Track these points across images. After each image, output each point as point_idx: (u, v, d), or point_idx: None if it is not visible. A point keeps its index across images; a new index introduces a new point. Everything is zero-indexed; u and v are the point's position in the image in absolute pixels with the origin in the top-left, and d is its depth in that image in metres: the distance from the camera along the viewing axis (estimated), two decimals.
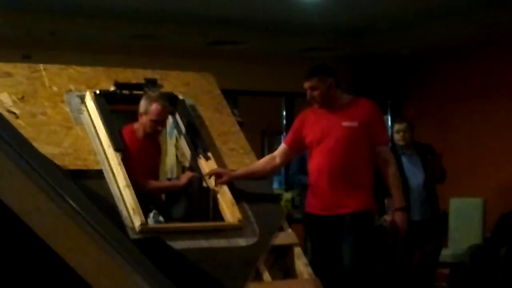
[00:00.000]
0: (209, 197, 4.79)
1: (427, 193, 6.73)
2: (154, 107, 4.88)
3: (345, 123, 4.80)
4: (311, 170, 4.91)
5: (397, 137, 6.82)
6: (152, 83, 5.16)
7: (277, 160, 5.02)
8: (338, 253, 4.80)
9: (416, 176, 6.68)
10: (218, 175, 4.80)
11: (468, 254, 8.21)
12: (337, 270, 4.80)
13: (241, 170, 4.94)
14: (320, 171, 4.83)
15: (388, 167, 4.85)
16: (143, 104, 4.92)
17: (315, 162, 4.87)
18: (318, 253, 4.97)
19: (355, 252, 4.75)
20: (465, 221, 8.61)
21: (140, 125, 4.96)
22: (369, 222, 4.83)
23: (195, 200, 4.81)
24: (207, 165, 4.88)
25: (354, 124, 4.80)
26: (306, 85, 4.89)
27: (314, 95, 4.86)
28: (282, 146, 5.06)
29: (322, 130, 4.84)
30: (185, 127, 5.07)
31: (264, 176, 5.07)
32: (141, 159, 4.89)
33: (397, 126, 6.83)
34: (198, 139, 5.00)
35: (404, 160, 6.75)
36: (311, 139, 4.88)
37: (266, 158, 5.09)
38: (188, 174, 4.89)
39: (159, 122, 4.93)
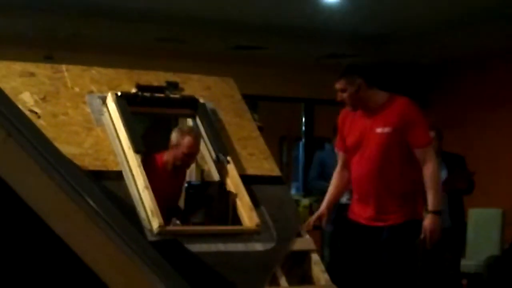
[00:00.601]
0: (229, 201, 4.79)
1: (450, 202, 6.68)
2: (187, 140, 4.90)
3: (379, 129, 4.59)
4: (352, 177, 4.79)
5: None
6: (173, 86, 5.17)
7: (346, 172, 4.85)
8: (373, 262, 4.67)
9: None
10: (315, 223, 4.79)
11: (486, 265, 8.16)
12: (366, 278, 4.70)
13: (325, 202, 4.92)
14: (358, 181, 4.71)
15: (424, 170, 4.56)
16: (174, 137, 4.94)
17: (353, 171, 4.74)
18: (351, 260, 4.87)
19: (390, 265, 4.60)
20: (483, 232, 8.56)
21: (171, 157, 4.99)
22: (407, 234, 4.62)
23: (215, 205, 4.81)
24: (226, 169, 4.88)
25: (388, 129, 4.57)
26: (336, 86, 4.68)
27: (344, 97, 4.66)
28: (340, 155, 4.89)
29: (357, 137, 4.67)
30: (205, 130, 5.07)
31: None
32: (165, 191, 4.86)
33: None
34: (218, 143, 5.00)
35: None
36: (348, 144, 4.74)
37: (337, 176, 4.92)
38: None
39: (191, 155, 4.95)
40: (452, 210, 6.73)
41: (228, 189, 4.81)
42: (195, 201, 4.89)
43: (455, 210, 6.76)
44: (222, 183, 4.85)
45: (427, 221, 4.57)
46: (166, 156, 5.02)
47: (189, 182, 5.19)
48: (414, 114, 4.66)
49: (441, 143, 6.76)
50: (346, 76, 4.65)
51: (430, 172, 4.56)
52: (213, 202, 4.81)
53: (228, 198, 4.78)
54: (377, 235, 4.64)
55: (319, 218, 4.86)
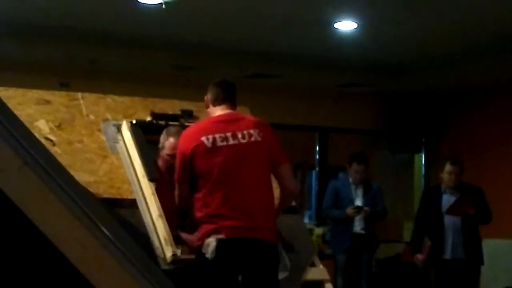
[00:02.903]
0: None
1: (464, 233, 6.62)
2: (169, 142, 4.78)
3: None
4: None
5: (447, 177, 6.63)
6: (188, 114, 5.19)
7: None
8: None
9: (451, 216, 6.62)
10: None
11: None
12: None
13: None
14: None
15: None
16: (161, 139, 4.85)
17: None
18: None
19: None
20: (498, 262, 8.49)
21: (161, 159, 4.89)
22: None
23: None
24: None
25: None
26: None
27: None
28: None
29: None
30: None
31: None
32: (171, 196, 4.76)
33: (450, 168, 6.63)
34: None
35: (444, 198, 6.67)
36: None
37: None
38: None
39: (174, 157, 4.77)
40: (467, 241, 6.65)
41: None
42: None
43: (470, 241, 6.67)
44: None
45: None
46: (160, 162, 4.91)
47: None
48: None
49: (461, 176, 6.66)
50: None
51: None
52: None
53: None
54: None
55: None
